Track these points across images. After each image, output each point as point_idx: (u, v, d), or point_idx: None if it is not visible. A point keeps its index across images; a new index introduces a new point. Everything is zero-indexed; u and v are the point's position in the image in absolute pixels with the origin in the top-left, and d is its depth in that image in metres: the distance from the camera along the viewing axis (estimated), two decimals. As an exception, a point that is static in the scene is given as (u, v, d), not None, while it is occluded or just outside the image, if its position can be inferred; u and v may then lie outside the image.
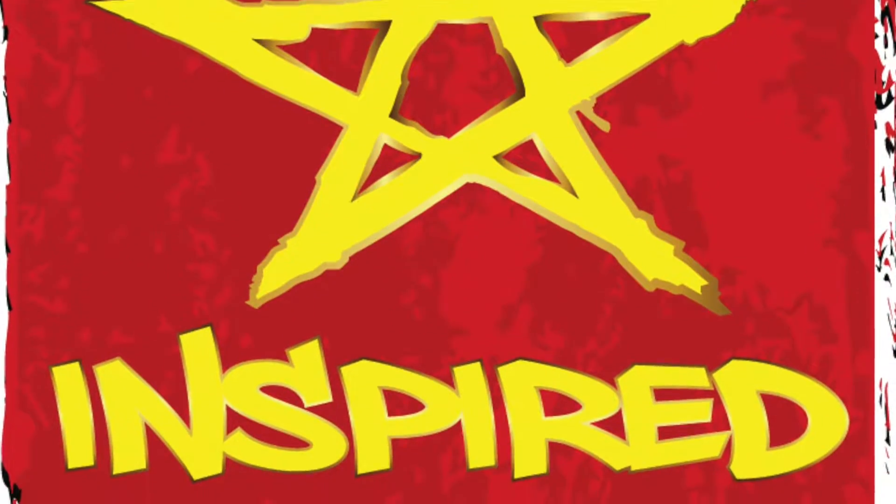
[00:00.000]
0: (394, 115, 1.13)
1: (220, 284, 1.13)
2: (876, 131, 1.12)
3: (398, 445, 1.13)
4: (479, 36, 1.12)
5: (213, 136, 1.12)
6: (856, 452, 1.12)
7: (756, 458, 1.12)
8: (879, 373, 1.12)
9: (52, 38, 1.12)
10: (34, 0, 1.12)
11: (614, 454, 1.12)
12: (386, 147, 1.13)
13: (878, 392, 1.12)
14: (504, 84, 1.13)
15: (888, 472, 1.12)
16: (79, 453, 1.12)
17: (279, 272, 1.13)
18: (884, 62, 1.11)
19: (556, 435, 1.12)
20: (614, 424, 1.13)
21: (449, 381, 1.12)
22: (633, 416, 1.12)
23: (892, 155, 1.12)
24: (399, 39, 1.12)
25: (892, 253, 1.12)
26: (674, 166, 1.12)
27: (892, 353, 1.12)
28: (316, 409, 1.13)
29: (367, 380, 1.13)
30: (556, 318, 1.13)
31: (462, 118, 1.13)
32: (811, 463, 1.12)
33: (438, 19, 1.12)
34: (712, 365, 1.12)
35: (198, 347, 1.12)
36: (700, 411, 1.12)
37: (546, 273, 1.12)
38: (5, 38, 1.12)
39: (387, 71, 1.12)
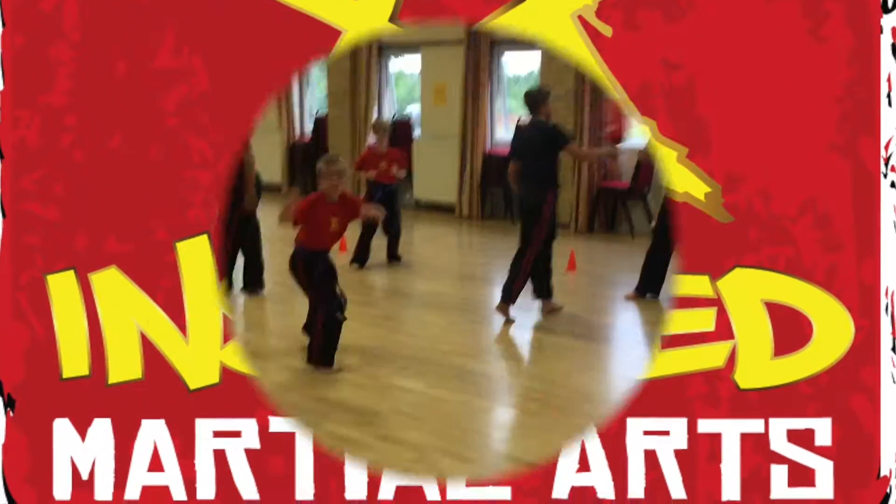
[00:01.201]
0: (392, 20, 1.11)
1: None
2: (882, 36, 1.10)
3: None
4: (479, -61, 1.10)
5: (210, 42, 1.10)
6: (861, 361, 1.10)
7: (760, 368, 1.10)
8: (885, 281, 1.10)
9: (46, -58, 1.10)
10: None
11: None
12: (385, 52, 1.11)
13: (884, 301, 1.10)
14: (505, -12, 1.11)
15: (894, 381, 1.10)
16: (73, 363, 1.10)
17: (277, 179, 1.11)
18: (890, -35, 1.09)
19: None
20: (617, 333, 1.11)
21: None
22: (636, 325, 1.11)
23: (899, 60, 1.10)
24: (399, -58, 1.10)
25: (898, 159, 1.10)
26: (677, 71, 1.10)
27: (898, 260, 1.10)
28: (314, 318, 1.11)
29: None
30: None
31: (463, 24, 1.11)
32: (816, 372, 1.10)
33: (438, -78, 1.10)
34: (716, 273, 1.10)
35: (194, 255, 1.11)
36: (704, 320, 1.11)
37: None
38: (-1, -58, 1.11)
39: (386, -25, 1.10)
